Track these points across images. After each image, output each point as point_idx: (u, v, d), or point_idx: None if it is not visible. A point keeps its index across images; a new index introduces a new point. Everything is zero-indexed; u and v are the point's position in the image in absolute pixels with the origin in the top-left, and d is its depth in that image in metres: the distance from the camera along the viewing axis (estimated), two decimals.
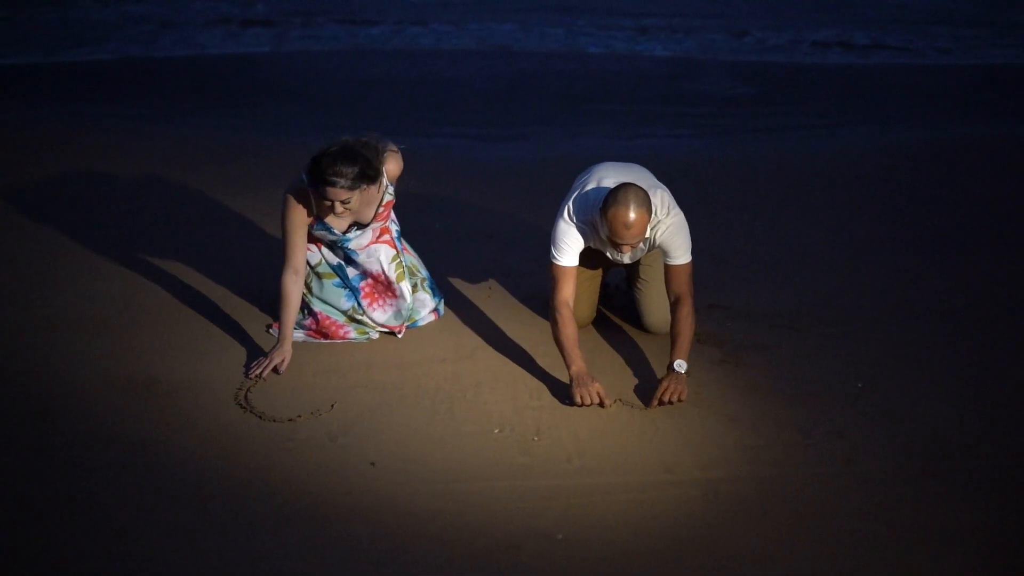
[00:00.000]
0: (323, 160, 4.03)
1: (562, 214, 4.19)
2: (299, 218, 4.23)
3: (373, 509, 3.34)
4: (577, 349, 4.05)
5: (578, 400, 3.93)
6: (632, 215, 3.86)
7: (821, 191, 6.64)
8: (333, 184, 4.02)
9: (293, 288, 4.28)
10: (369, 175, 4.13)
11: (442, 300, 4.82)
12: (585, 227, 4.16)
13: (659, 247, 4.23)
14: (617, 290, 4.96)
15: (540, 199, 5.91)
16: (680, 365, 4.05)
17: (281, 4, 14.17)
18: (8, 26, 13.37)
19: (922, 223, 5.93)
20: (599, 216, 3.98)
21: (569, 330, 4.09)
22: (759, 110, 9.40)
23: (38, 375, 4.15)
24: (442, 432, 3.81)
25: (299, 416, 3.89)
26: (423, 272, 4.76)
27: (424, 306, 4.70)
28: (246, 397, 4.02)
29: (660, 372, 4.20)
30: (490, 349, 4.46)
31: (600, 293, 4.78)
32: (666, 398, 3.96)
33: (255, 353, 4.36)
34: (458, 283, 5.16)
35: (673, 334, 4.15)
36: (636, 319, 4.68)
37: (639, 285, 4.62)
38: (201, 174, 6.65)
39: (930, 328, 4.63)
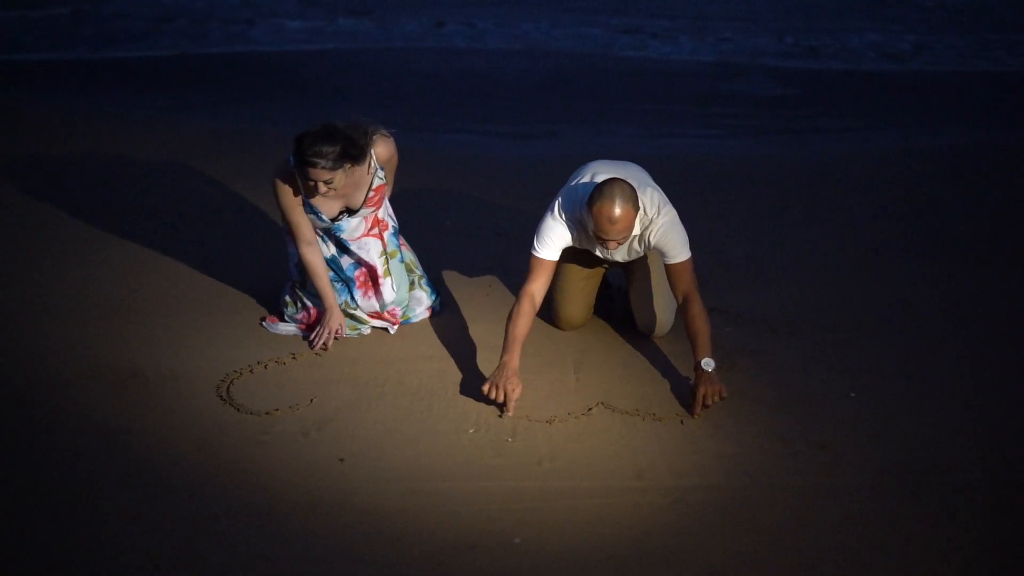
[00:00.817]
0: (304, 141, 4.00)
1: (551, 208, 4.11)
2: (290, 198, 4.24)
3: (335, 505, 3.31)
4: (518, 345, 3.90)
5: (485, 389, 3.82)
6: (617, 210, 3.78)
7: (844, 195, 6.49)
8: (314, 164, 3.98)
9: (315, 257, 4.32)
10: (352, 154, 4.07)
11: (438, 298, 4.78)
12: (572, 223, 4.08)
13: (656, 248, 4.13)
14: (619, 291, 4.87)
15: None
16: (708, 364, 3.93)
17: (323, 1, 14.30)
18: (75, 20, 13.64)
19: (945, 230, 5.76)
20: (586, 211, 3.90)
21: (520, 322, 3.97)
22: (793, 112, 9.22)
23: (27, 361, 4.19)
24: (417, 430, 3.76)
25: (276, 410, 3.87)
26: (420, 269, 4.72)
27: (420, 303, 4.66)
28: (228, 390, 4.01)
29: (655, 379, 4.13)
30: (479, 348, 4.40)
31: (600, 294, 4.70)
32: (708, 402, 3.85)
33: (246, 346, 4.36)
34: (458, 280, 5.11)
35: (690, 334, 4.05)
36: (632, 324, 4.59)
37: (631, 285, 4.54)
38: (223, 164, 6.70)
39: (936, 339, 4.47)
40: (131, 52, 11.98)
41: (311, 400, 3.94)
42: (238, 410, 3.87)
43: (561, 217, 4.08)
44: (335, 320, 4.35)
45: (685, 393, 4.01)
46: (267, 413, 3.85)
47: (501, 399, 3.80)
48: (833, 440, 3.70)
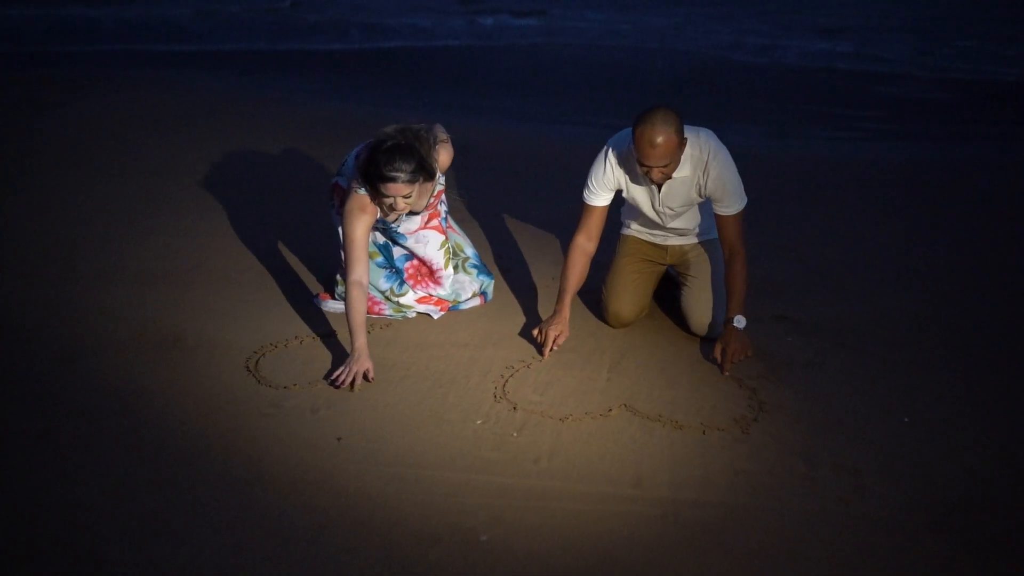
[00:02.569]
0: (380, 157, 3.85)
1: (602, 150, 4.03)
2: (364, 228, 3.99)
3: (313, 484, 3.21)
4: (568, 296, 4.03)
5: (534, 333, 4.02)
6: (659, 133, 3.64)
7: (969, 206, 5.94)
8: (394, 180, 3.85)
9: (360, 296, 3.90)
10: (427, 168, 3.95)
11: (491, 282, 4.63)
12: (621, 161, 3.99)
13: (710, 196, 3.97)
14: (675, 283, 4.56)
15: None
16: (739, 321, 3.89)
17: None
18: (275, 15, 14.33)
19: None
20: (631, 140, 3.78)
21: (570, 274, 4.07)
22: (934, 117, 8.57)
23: (85, 320, 4.29)
24: (425, 416, 3.63)
25: (295, 385, 3.82)
26: (468, 251, 4.58)
27: (464, 288, 4.53)
28: (257, 362, 4.00)
29: (690, 385, 3.86)
30: (519, 339, 4.22)
31: (666, 294, 4.45)
32: (736, 359, 3.85)
33: (291, 321, 4.34)
34: (525, 270, 4.96)
35: (728, 289, 3.98)
36: (682, 322, 4.31)
37: (686, 283, 4.27)
38: (330, 147, 6.78)
39: (1016, 369, 3.98)
40: (315, 45, 12.44)
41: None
42: (258, 382, 3.84)
43: (610, 157, 4.00)
44: (361, 363, 3.84)
45: (718, 404, 3.72)
46: (284, 387, 3.80)
47: (540, 342, 3.97)
48: (866, 466, 3.33)
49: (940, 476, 3.26)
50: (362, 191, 3.98)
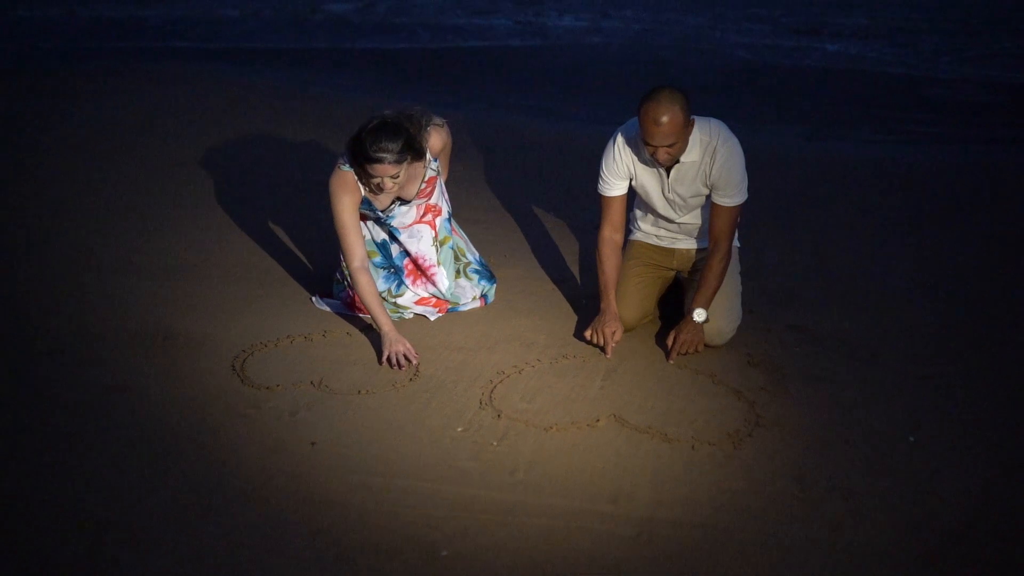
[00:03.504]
0: (365, 137, 3.73)
1: (612, 136, 3.94)
2: (350, 205, 3.92)
3: (278, 489, 3.06)
4: (612, 288, 3.95)
5: (587, 335, 3.89)
6: (664, 111, 3.55)
7: (1001, 213, 5.64)
8: (380, 160, 3.73)
9: (367, 279, 3.90)
10: (415, 147, 3.82)
11: (493, 286, 4.47)
12: (631, 144, 3.89)
13: (712, 182, 3.84)
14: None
15: None
16: (700, 314, 3.81)
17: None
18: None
19: None
20: (639, 120, 3.67)
21: (606, 268, 3.98)
22: (980, 120, 8.19)
23: (75, 316, 4.21)
24: (405, 422, 3.47)
25: (278, 385, 3.70)
26: (470, 256, 4.43)
27: (465, 293, 4.37)
28: (244, 361, 3.88)
29: (686, 396, 3.66)
30: (515, 344, 4.06)
31: (661, 299, 4.27)
32: (684, 350, 3.81)
33: (286, 319, 4.22)
34: (531, 272, 4.79)
35: (700, 281, 3.89)
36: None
37: (693, 289, 4.07)
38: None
39: None
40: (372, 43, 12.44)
41: (321, 380, 3.73)
42: (242, 382, 3.72)
43: (619, 142, 3.93)
44: (396, 346, 3.83)
45: (712, 418, 3.51)
46: (267, 387, 3.68)
47: (602, 342, 3.85)
48: (862, 489, 3.10)
49: (940, 503, 3.02)
50: (346, 167, 3.87)
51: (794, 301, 4.48)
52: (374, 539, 2.84)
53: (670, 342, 3.86)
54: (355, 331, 4.13)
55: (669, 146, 3.65)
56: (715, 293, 3.87)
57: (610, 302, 3.95)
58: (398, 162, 3.76)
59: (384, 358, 3.81)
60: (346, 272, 4.31)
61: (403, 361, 3.79)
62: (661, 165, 3.82)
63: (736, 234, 4.21)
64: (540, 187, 6.14)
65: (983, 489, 3.08)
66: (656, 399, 3.62)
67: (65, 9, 14.58)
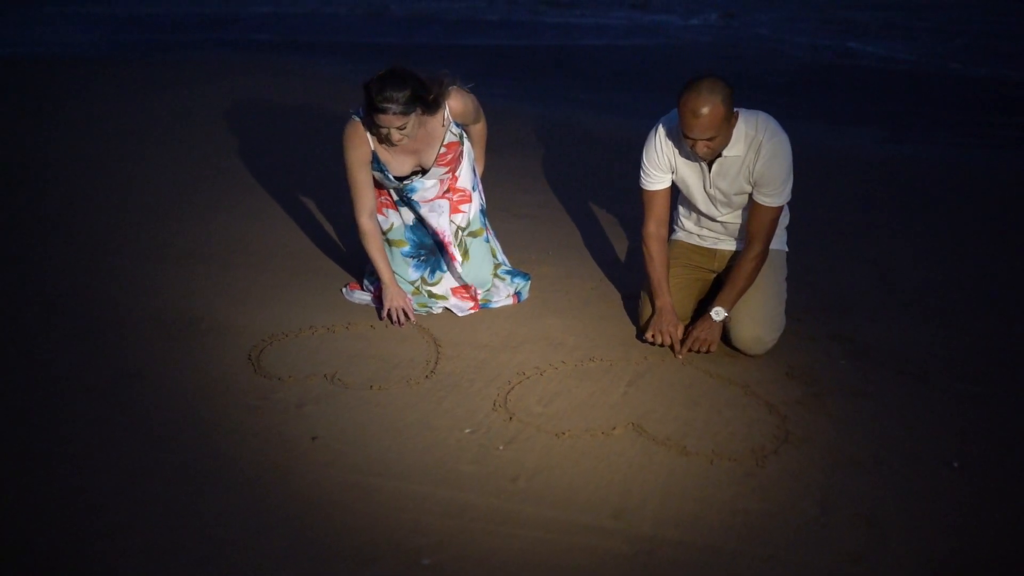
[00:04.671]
0: (371, 87, 3.59)
1: (653, 127, 3.71)
2: (359, 156, 3.82)
3: (269, 485, 2.92)
4: (664, 285, 3.72)
5: (649, 337, 3.68)
6: (704, 103, 3.31)
7: None
8: (384, 111, 3.58)
9: (373, 227, 3.91)
10: (423, 98, 3.66)
11: (527, 283, 4.28)
12: (672, 136, 3.66)
13: (755, 179, 3.58)
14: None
15: None
16: (718, 313, 3.63)
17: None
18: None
19: None
20: (678, 110, 3.45)
21: (656, 263, 3.75)
22: None
23: (106, 299, 4.17)
24: (412, 421, 3.31)
25: (290, 377, 3.57)
26: (500, 257, 4.25)
27: (499, 291, 4.20)
28: (261, 350, 3.77)
29: (713, 407, 3.41)
30: (541, 344, 3.86)
31: (698, 302, 4.02)
32: (695, 347, 3.63)
33: (313, 309, 4.11)
34: (572, 270, 4.58)
35: (728, 278, 3.65)
36: (727, 335, 3.85)
37: None
38: None
39: None
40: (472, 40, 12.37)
41: (335, 374, 3.59)
42: (255, 371, 3.61)
43: (660, 134, 3.70)
44: (394, 298, 3.91)
45: (737, 431, 3.26)
46: (279, 378, 3.56)
47: (668, 342, 3.65)
48: (889, 517, 2.81)
49: (977, 538, 2.72)
50: (357, 117, 3.78)
51: (847, 311, 4.17)
52: (356, 542, 2.68)
53: (680, 334, 3.69)
54: (379, 325, 3.98)
55: (708, 139, 3.42)
56: (741, 294, 3.61)
57: (665, 299, 3.71)
58: (404, 113, 3.61)
59: (384, 312, 3.89)
60: None
61: (402, 317, 3.83)
62: (701, 159, 3.57)
63: (785, 238, 3.94)
64: (596, 183, 5.92)
65: (1020, 521, 2.76)
66: (680, 408, 3.38)
67: (152, 8, 14.91)
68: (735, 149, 3.57)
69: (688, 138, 3.44)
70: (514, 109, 8.03)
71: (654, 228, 3.79)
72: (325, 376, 3.56)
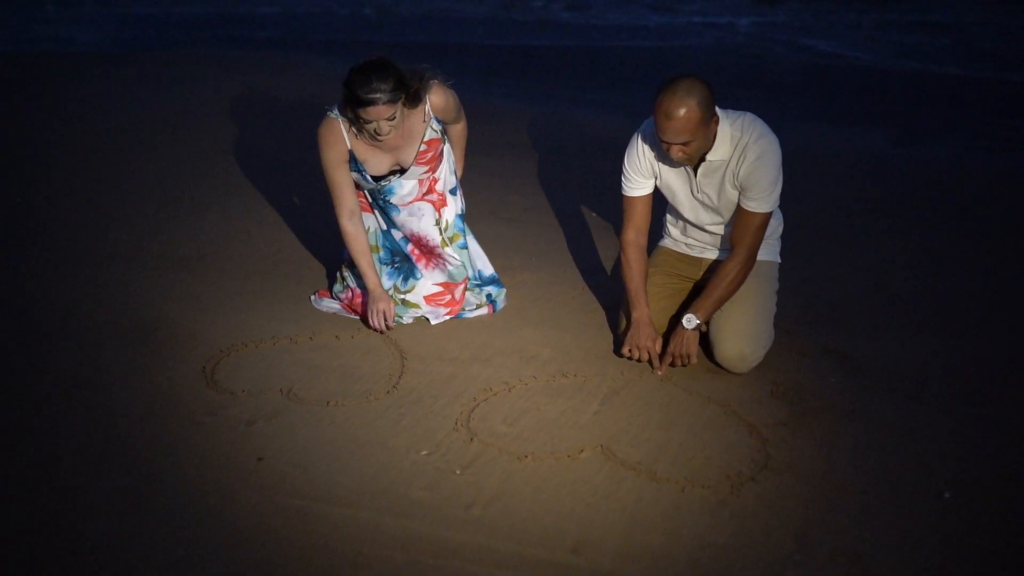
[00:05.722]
0: (354, 80, 3.38)
1: (635, 133, 3.48)
2: (336, 155, 3.62)
3: (205, 510, 2.70)
4: (642, 295, 3.48)
5: (626, 352, 3.44)
6: (678, 104, 3.08)
7: None
8: (373, 102, 3.37)
9: (356, 229, 3.71)
10: (408, 87, 3.47)
11: (502, 291, 4.05)
12: (650, 140, 3.43)
13: (740, 183, 3.32)
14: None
15: None
16: (690, 320, 3.37)
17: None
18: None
19: None
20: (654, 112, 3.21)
21: (633, 272, 3.52)
22: None
23: (67, 305, 3.96)
24: (366, 441, 3.08)
25: (243, 391, 3.36)
26: (473, 269, 4.02)
27: (468, 302, 3.97)
28: (217, 363, 3.56)
29: (690, 430, 3.17)
30: (514, 358, 3.62)
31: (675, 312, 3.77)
32: (676, 363, 3.39)
33: (280, 318, 3.90)
34: (555, 277, 4.35)
35: (707, 284, 3.38)
36: (709, 352, 3.60)
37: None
38: None
39: None
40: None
41: (290, 389, 3.37)
42: (207, 384, 3.40)
43: (640, 138, 3.46)
44: (379, 303, 3.71)
45: (714, 455, 3.01)
46: (232, 393, 3.34)
47: (645, 358, 3.43)
48: (874, 553, 2.56)
49: (967, 573, 2.46)
50: (333, 114, 3.56)
51: (841, 323, 3.92)
52: None
53: (660, 353, 3.46)
54: (344, 335, 3.76)
55: (683, 144, 3.18)
56: (719, 303, 3.37)
57: (643, 310, 3.48)
58: (392, 101, 3.41)
59: (371, 320, 3.70)
60: (345, 271, 3.97)
61: (381, 325, 3.65)
62: (678, 164, 3.33)
63: (777, 247, 3.69)
64: (591, 186, 5.69)
65: (1017, 557, 2.50)
66: (654, 430, 3.13)
67: (160, 8, 14.81)
68: (719, 152, 3.34)
69: (663, 141, 3.21)
70: (514, 108, 7.81)
71: (633, 236, 3.56)
72: (280, 391, 3.34)
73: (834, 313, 4.03)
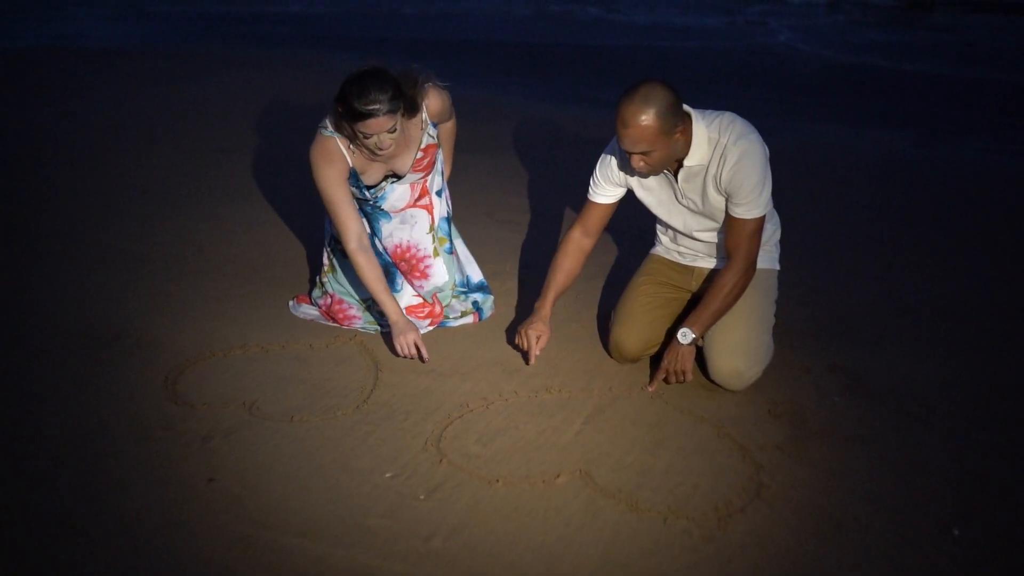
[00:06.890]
0: (350, 92, 3.12)
1: (612, 139, 3.20)
2: (337, 173, 3.34)
3: (146, 535, 2.47)
4: (552, 293, 3.29)
5: (516, 339, 3.28)
6: (634, 112, 2.82)
7: None
8: (372, 114, 3.11)
9: (367, 256, 3.34)
10: (406, 95, 3.22)
11: (489, 298, 3.80)
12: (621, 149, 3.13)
13: (725, 189, 3.05)
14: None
15: None
16: (685, 335, 3.08)
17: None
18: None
19: None
20: None
21: (558, 267, 3.33)
22: None
23: (36, 311, 3.76)
24: (327, 462, 2.84)
25: (204, 404, 3.13)
26: (461, 276, 3.78)
27: (453, 309, 3.73)
28: (182, 372, 3.33)
29: (678, 454, 2.91)
30: (495, 371, 3.38)
31: (669, 326, 3.50)
32: (670, 380, 3.13)
33: (253, 325, 3.67)
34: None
35: (703, 296, 3.10)
36: (705, 366, 3.34)
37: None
38: None
39: None
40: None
41: (254, 403, 3.14)
42: (166, 397, 3.17)
43: (616, 147, 3.18)
44: (408, 334, 3.31)
45: (701, 482, 2.75)
46: (192, 406, 3.12)
47: (524, 346, 3.23)
48: None
49: None
50: (327, 133, 3.28)
51: (847, 337, 3.64)
52: None
53: (654, 369, 3.24)
54: (319, 344, 3.53)
55: (642, 153, 2.91)
56: (717, 316, 3.10)
57: (545, 304, 3.28)
58: (392, 112, 3.15)
59: (399, 350, 3.30)
60: (324, 277, 3.73)
61: (413, 352, 3.28)
62: (639, 174, 3.06)
63: (776, 255, 3.42)
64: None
65: None
66: (639, 453, 2.87)
67: (178, 7, 14.72)
68: (696, 157, 3.07)
69: (624, 151, 2.96)
70: (517, 107, 7.57)
71: (578, 235, 3.34)
72: (244, 404, 3.11)
73: (841, 326, 3.75)
